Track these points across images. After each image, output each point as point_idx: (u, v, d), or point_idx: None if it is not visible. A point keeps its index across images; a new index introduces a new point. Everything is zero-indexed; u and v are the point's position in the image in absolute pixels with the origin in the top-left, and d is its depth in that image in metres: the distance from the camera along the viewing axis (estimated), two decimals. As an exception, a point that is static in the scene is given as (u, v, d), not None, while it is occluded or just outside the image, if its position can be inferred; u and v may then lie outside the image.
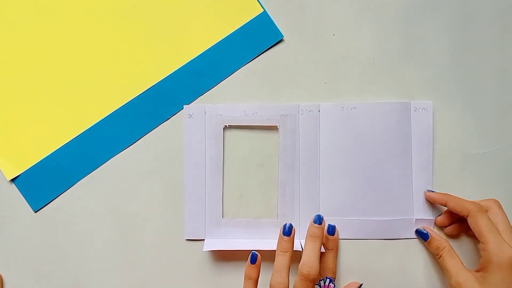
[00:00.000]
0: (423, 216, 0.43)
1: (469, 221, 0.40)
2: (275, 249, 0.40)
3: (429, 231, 0.43)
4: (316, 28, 0.45)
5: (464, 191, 0.45)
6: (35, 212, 0.43)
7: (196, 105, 0.43)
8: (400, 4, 0.45)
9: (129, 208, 0.44)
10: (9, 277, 0.43)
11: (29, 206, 0.43)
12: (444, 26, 0.45)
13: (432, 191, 0.43)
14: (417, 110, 0.44)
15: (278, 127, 0.43)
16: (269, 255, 0.42)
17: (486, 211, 0.40)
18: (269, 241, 0.42)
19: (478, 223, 0.39)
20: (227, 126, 0.43)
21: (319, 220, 0.41)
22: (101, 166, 0.44)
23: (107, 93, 0.44)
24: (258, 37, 0.44)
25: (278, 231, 0.41)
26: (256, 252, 0.40)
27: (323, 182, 0.43)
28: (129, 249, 0.43)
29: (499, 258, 0.37)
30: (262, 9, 0.45)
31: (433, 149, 0.44)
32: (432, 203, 0.44)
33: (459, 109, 0.45)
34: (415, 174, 0.44)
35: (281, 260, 0.39)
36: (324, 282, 0.41)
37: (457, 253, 0.41)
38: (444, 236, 0.43)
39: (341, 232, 0.43)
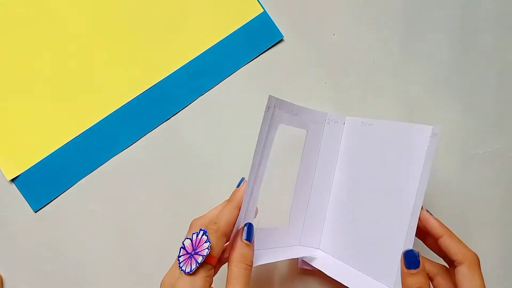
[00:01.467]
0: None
1: (461, 270, 0.32)
2: (290, 257, 0.38)
3: (421, 261, 0.33)
4: (316, 28, 0.45)
5: (464, 191, 0.45)
6: (35, 212, 0.43)
7: (273, 98, 0.36)
8: (400, 4, 0.45)
9: (129, 208, 0.44)
10: (9, 277, 0.43)
11: (29, 206, 0.43)
12: (444, 26, 0.45)
13: (430, 213, 0.35)
14: (432, 136, 0.36)
15: (307, 132, 0.41)
16: (283, 265, 0.42)
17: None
18: (282, 249, 0.40)
19: (473, 279, 0.32)
20: (281, 125, 0.38)
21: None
22: (101, 166, 0.44)
23: (107, 93, 0.44)
24: (258, 37, 0.44)
25: (291, 238, 0.39)
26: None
27: (334, 196, 0.42)
28: (129, 249, 0.43)
29: None
30: (262, 9, 0.45)
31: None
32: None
33: (459, 109, 0.45)
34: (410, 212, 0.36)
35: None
36: (197, 235, 0.32)
37: None
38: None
39: (340, 250, 0.41)
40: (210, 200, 0.44)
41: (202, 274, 0.31)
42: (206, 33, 0.44)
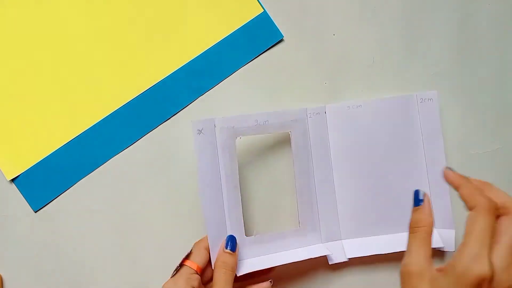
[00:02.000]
0: (445, 223, 0.42)
1: (469, 215, 0.32)
2: (304, 258, 0.40)
3: (425, 199, 0.35)
4: (316, 28, 0.45)
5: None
6: (35, 212, 0.43)
7: (204, 120, 0.39)
8: (400, 4, 0.45)
9: (129, 208, 0.44)
10: (9, 277, 0.43)
11: (29, 206, 0.43)
12: (444, 26, 0.45)
13: (451, 169, 0.35)
14: (423, 101, 0.43)
15: (290, 133, 0.42)
16: (297, 267, 0.42)
17: (500, 215, 0.32)
18: (295, 251, 0.41)
19: (475, 221, 0.31)
20: (240, 138, 0.40)
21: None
22: (101, 166, 0.44)
23: (107, 93, 0.44)
24: (258, 37, 0.44)
25: (303, 239, 0.41)
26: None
27: (338, 183, 0.43)
28: (129, 249, 0.43)
29: (465, 270, 0.29)
30: (262, 9, 0.45)
31: (443, 139, 0.43)
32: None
33: (459, 109, 0.45)
34: (429, 167, 0.43)
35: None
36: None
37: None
38: None
39: (364, 228, 0.43)
40: (210, 200, 0.44)
41: (183, 276, 0.37)
42: (206, 33, 0.44)
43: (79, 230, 0.43)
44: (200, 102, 0.44)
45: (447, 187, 0.39)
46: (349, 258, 0.42)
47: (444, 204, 0.42)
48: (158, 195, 0.44)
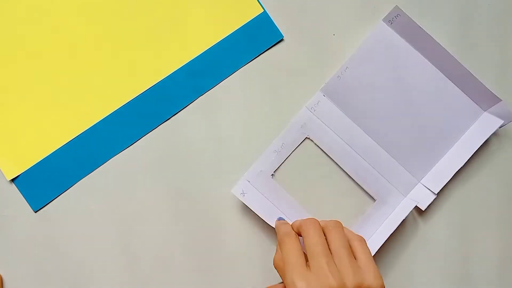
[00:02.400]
0: (489, 101, 0.42)
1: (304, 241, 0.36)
2: (402, 219, 0.40)
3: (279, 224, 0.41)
4: (316, 28, 0.45)
5: (464, 191, 0.45)
6: (35, 212, 0.43)
7: (239, 183, 0.42)
8: (400, 4, 0.45)
9: (129, 208, 0.44)
10: (9, 277, 0.43)
11: (29, 206, 0.43)
12: (444, 26, 0.45)
13: (281, 219, 0.41)
14: (393, 21, 0.42)
15: (308, 137, 0.43)
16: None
17: (299, 235, 0.37)
18: (390, 219, 0.42)
19: (281, 253, 0.36)
20: (273, 175, 0.43)
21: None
22: (101, 166, 0.44)
23: (107, 93, 0.44)
24: (258, 37, 0.44)
25: (387, 207, 0.42)
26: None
27: (378, 140, 0.43)
28: (129, 249, 0.43)
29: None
30: (262, 9, 0.45)
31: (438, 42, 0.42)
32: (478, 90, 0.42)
33: (459, 109, 0.45)
34: (440, 67, 0.42)
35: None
36: None
37: None
38: None
39: (429, 165, 0.43)
40: (209, 200, 0.44)
41: None
42: (206, 33, 0.44)
43: (79, 230, 0.43)
44: (200, 102, 0.44)
45: (467, 71, 0.42)
46: (437, 193, 0.42)
47: (476, 86, 0.42)
48: (158, 195, 0.44)
